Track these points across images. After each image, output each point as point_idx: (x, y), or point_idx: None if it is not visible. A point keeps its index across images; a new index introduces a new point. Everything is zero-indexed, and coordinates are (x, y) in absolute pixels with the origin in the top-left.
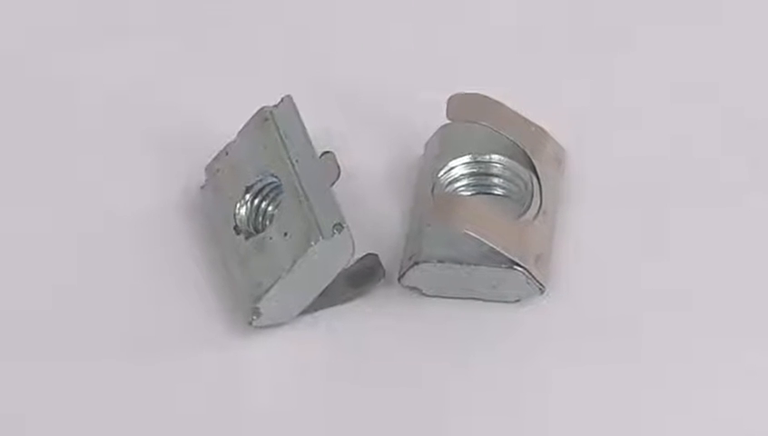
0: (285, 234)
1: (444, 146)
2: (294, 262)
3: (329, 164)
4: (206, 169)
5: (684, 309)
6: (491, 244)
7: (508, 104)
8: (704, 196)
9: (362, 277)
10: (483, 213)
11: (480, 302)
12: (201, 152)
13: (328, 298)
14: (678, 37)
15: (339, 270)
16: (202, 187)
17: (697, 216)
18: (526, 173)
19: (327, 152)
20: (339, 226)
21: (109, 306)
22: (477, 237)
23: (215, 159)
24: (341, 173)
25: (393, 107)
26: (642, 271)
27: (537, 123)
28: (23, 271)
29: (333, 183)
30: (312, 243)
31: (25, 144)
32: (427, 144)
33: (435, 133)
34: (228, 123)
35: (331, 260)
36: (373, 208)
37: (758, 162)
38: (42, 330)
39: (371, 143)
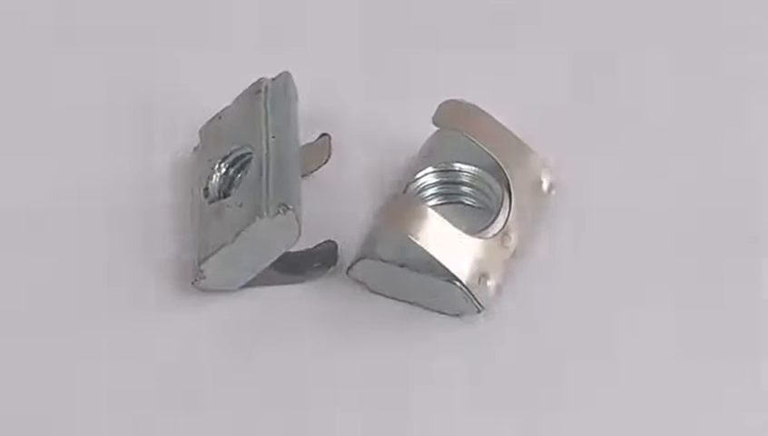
0: (240, 205)
1: (430, 150)
2: (238, 233)
3: (321, 147)
4: (199, 131)
5: (607, 363)
6: (433, 254)
7: (511, 118)
8: (675, 249)
9: (315, 261)
10: (435, 223)
11: (421, 309)
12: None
13: (276, 275)
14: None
15: (284, 249)
16: (195, 149)
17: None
18: (498, 188)
19: (324, 134)
20: (284, 207)
21: (85, 260)
22: (420, 245)
23: (209, 122)
24: (330, 158)
25: (396, 107)
26: (588, 322)
27: (542, 149)
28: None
29: (319, 167)
30: (256, 219)
31: (21, 115)
32: (422, 146)
33: (429, 138)
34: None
35: (275, 238)
36: (354, 201)
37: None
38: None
39: (370, 139)
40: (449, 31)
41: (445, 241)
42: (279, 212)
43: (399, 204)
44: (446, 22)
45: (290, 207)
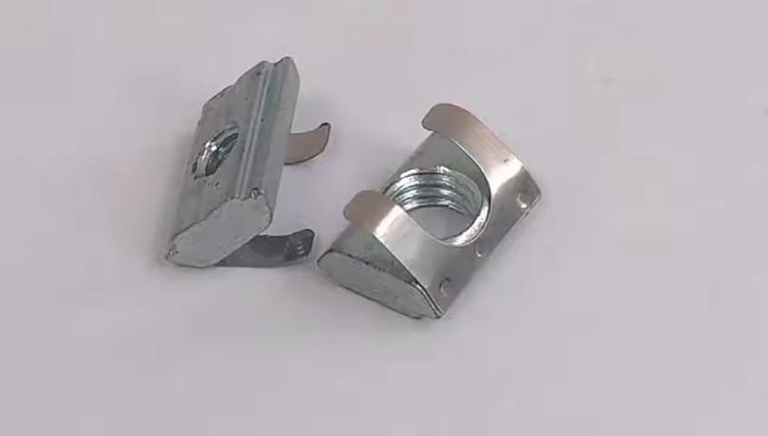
0: (217, 185)
1: (420, 152)
2: (210, 212)
3: (319, 136)
4: (203, 106)
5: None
6: (395, 254)
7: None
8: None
9: (288, 248)
10: (402, 223)
11: (384, 308)
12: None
13: (250, 257)
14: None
15: (253, 233)
16: (198, 123)
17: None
18: (479, 196)
19: (324, 124)
20: (255, 191)
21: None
22: (384, 244)
23: (212, 99)
24: (324, 148)
25: (397, 106)
26: (552, 337)
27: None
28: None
29: (314, 156)
30: (227, 200)
31: (30, 85)
32: (418, 147)
33: (428, 138)
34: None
35: (246, 222)
36: (347, 195)
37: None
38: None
39: (370, 134)
40: (452, 32)
41: (410, 243)
42: (250, 195)
43: (369, 202)
44: (448, 22)
45: (262, 192)
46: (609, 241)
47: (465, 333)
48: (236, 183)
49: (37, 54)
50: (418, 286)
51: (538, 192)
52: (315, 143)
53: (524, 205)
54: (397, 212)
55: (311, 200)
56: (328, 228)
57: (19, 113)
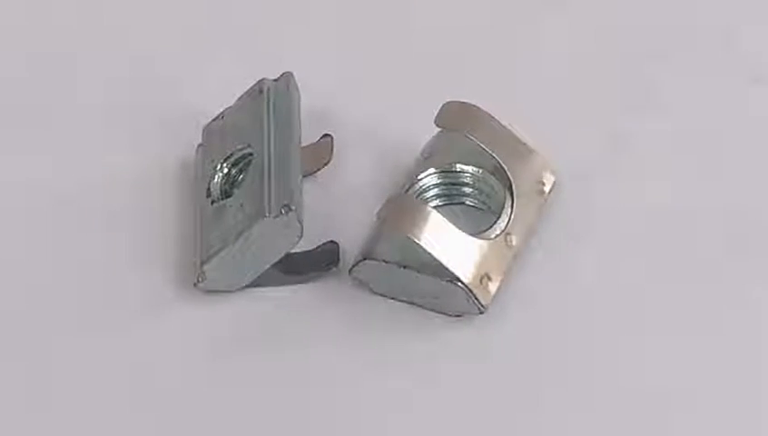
0: (241, 205)
1: (432, 152)
2: (240, 234)
3: (323, 148)
4: (203, 129)
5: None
6: (435, 255)
7: (510, 118)
8: (683, 258)
9: (317, 262)
10: (436, 223)
11: (423, 310)
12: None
13: (279, 276)
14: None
15: (285, 250)
16: (198, 147)
17: (669, 278)
18: (501, 190)
19: (326, 135)
20: (287, 207)
21: (81, 256)
22: (422, 245)
23: (212, 121)
24: (332, 159)
25: (398, 106)
26: (592, 318)
27: (538, 147)
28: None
29: (321, 168)
30: (258, 220)
31: (26, 109)
32: (423, 148)
33: (431, 139)
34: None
35: (277, 239)
36: (358, 201)
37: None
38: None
39: (372, 139)
40: (450, 31)
41: (447, 242)
42: (281, 212)
43: (401, 205)
44: (447, 22)
45: (293, 208)
46: (625, 217)
47: (508, 326)
48: (264, 201)
49: (36, 81)
50: (460, 284)
51: (553, 177)
52: (320, 155)
53: (543, 192)
54: (430, 212)
55: (323, 212)
56: (342, 237)
57: (34, 138)
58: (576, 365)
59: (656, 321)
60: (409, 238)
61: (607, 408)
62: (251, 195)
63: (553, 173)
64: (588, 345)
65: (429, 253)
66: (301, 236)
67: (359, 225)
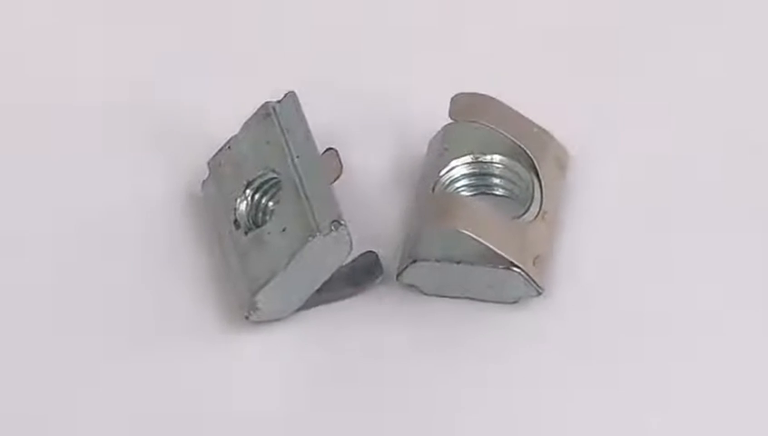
0: (283, 230)
1: (447, 145)
2: (291, 257)
3: (331, 161)
4: (208, 163)
5: (684, 314)
6: (488, 244)
7: (512, 104)
8: (709, 204)
9: (361, 274)
10: (481, 213)
11: (478, 302)
12: (204, 147)
13: (326, 294)
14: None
15: (336, 266)
16: (204, 181)
17: (701, 224)
18: (527, 174)
19: (330, 148)
20: (336, 223)
21: (108, 299)
22: (474, 237)
23: (218, 153)
24: (343, 170)
25: (396, 106)
26: (642, 276)
27: (542, 125)
28: (25, 264)
29: (335, 180)
30: (309, 240)
31: (28, 140)
32: (430, 143)
33: (438, 132)
34: (230, 120)
35: (328, 256)
36: (375, 206)
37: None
38: (42, 321)
39: (374, 141)
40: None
41: (494, 229)
42: (332, 229)
43: (442, 201)
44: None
45: (342, 222)
46: (644, 185)
47: (568, 304)
48: (310, 221)
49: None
50: (516, 269)
51: (568, 156)
52: (330, 168)
53: (563, 169)
54: (472, 202)
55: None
56: (367, 245)
57: (72, 165)
58: (629, 334)
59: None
60: (460, 232)
61: (677, 384)
62: (292, 218)
63: (567, 151)
64: (639, 309)
65: (482, 244)
66: (351, 250)
67: (380, 230)
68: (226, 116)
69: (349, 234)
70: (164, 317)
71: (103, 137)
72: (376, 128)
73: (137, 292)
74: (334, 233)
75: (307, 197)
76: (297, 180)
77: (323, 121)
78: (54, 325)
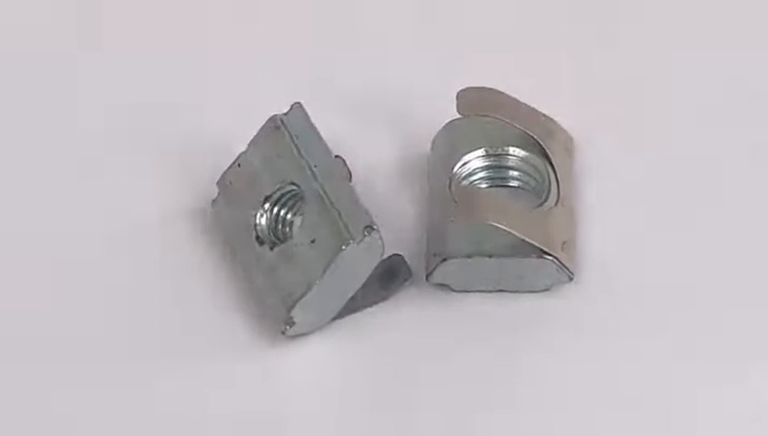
0: (312, 241)
1: (455, 142)
2: (326, 268)
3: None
4: (218, 183)
5: (711, 288)
6: (519, 235)
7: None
8: (716, 178)
9: (389, 278)
10: (506, 205)
11: (508, 293)
12: (205, 163)
13: (357, 302)
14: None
15: (369, 273)
16: (214, 201)
17: (706, 198)
18: (541, 164)
19: (336, 156)
20: (369, 228)
21: (132, 326)
22: (505, 229)
23: (227, 172)
24: (352, 177)
25: (392, 107)
26: (663, 252)
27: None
28: (52, 291)
29: None
30: (343, 248)
31: (41, 165)
32: (434, 142)
33: (441, 130)
34: (230, 120)
35: (361, 263)
36: (383, 208)
37: None
38: (70, 346)
39: (374, 143)
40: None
41: (521, 220)
42: (365, 234)
43: (469, 196)
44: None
45: (375, 227)
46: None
47: (596, 287)
48: (341, 229)
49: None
50: (548, 257)
51: (574, 142)
52: None
53: (571, 155)
54: (497, 195)
55: None
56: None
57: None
58: (657, 309)
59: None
60: (491, 225)
61: (710, 361)
62: (320, 228)
63: (570, 136)
64: (666, 283)
65: (514, 235)
66: (383, 254)
67: (388, 232)
68: (226, 116)
69: (381, 239)
70: (192, 339)
71: (103, 161)
72: (376, 129)
73: (163, 314)
74: (367, 239)
75: (333, 206)
76: (320, 190)
77: (322, 125)
78: (77, 348)
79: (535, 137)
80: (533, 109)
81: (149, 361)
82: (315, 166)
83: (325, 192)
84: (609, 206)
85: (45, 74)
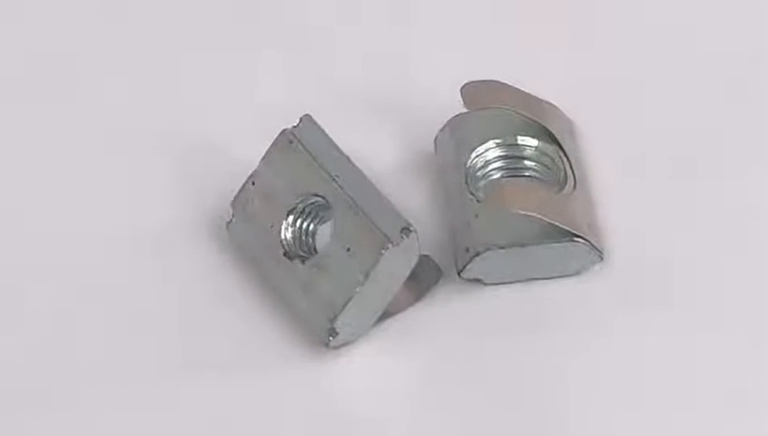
0: (348, 250)
1: (462, 137)
2: (367, 274)
3: None
4: (232, 204)
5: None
6: (549, 220)
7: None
8: (715, 155)
9: (422, 279)
10: (533, 192)
11: (539, 280)
12: (205, 162)
13: (393, 306)
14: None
15: (405, 275)
16: (229, 222)
17: (708, 177)
18: (553, 151)
19: None
20: (406, 230)
21: (160, 346)
22: (538, 216)
23: (241, 191)
24: None
25: (392, 107)
26: (672, 230)
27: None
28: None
29: None
30: (383, 252)
31: (48, 173)
32: (438, 140)
33: (445, 126)
34: (230, 122)
35: (399, 266)
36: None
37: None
38: (99, 367)
39: (374, 143)
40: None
41: (551, 205)
42: (403, 237)
43: (495, 187)
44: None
45: (412, 228)
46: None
47: (625, 265)
48: (377, 234)
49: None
50: (580, 240)
51: (575, 126)
52: None
53: (575, 142)
54: (523, 184)
55: None
56: None
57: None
58: (684, 281)
59: None
60: (522, 214)
61: (742, 337)
62: (354, 236)
63: (571, 120)
64: (690, 257)
65: (546, 221)
66: (419, 256)
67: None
68: (227, 119)
69: (418, 240)
70: (234, 356)
71: (104, 180)
72: (376, 129)
73: (192, 337)
74: (405, 241)
75: (364, 212)
76: (348, 198)
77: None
78: (114, 373)
79: (544, 125)
80: (535, 97)
81: (178, 379)
82: (337, 176)
83: (354, 200)
84: (622, 185)
85: (45, 74)
